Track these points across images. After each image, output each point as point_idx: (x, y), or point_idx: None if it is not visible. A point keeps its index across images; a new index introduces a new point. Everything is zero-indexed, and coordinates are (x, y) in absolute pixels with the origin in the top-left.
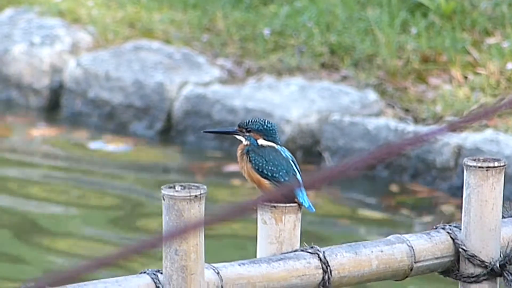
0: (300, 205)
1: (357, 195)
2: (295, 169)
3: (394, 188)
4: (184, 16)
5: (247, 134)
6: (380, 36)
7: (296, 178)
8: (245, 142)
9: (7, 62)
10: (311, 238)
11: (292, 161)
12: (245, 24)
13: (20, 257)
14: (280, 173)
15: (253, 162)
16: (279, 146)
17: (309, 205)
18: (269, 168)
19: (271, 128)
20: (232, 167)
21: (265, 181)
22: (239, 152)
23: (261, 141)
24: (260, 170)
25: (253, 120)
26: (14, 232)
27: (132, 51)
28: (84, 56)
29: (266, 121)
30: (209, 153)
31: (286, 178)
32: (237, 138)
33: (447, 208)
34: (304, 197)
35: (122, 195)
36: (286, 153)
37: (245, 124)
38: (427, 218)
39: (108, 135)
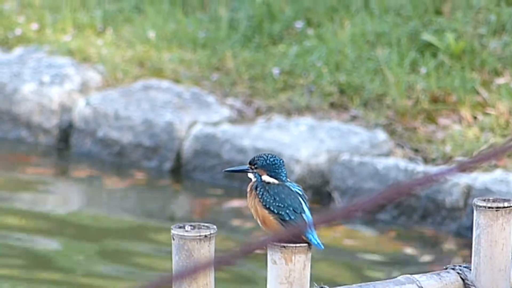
0: (309, 243)
1: (360, 231)
2: (304, 207)
3: (395, 226)
4: (194, 56)
5: (255, 170)
6: (389, 75)
7: (303, 217)
8: (253, 179)
9: (16, 101)
10: (316, 275)
11: (302, 196)
12: (255, 64)
13: None
14: (287, 211)
15: (260, 197)
16: (286, 182)
17: (318, 243)
18: (276, 204)
19: (273, 163)
20: (235, 203)
21: (271, 218)
22: (248, 189)
23: (264, 177)
24: (267, 206)
25: (259, 156)
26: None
27: (142, 90)
28: (94, 95)
29: (269, 157)
30: (215, 191)
31: (292, 217)
32: (248, 176)
33: (449, 247)
34: (313, 234)
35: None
36: (295, 188)
37: (252, 160)
38: (430, 257)
39: (114, 174)
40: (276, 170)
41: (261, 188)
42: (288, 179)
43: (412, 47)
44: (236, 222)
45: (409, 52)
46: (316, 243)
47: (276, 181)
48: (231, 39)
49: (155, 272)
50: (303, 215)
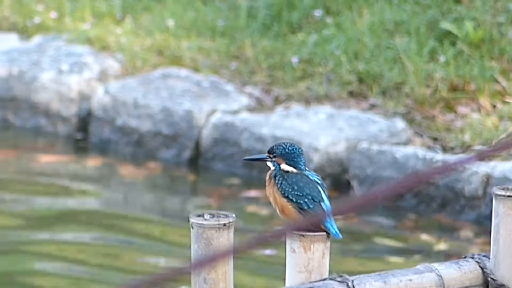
0: (327, 232)
1: (376, 219)
2: (322, 195)
3: (412, 214)
4: (213, 44)
5: (273, 159)
6: (408, 64)
7: (322, 206)
8: (272, 168)
9: (35, 89)
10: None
11: (321, 185)
12: (274, 52)
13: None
14: (305, 200)
15: (279, 186)
16: (305, 171)
17: (336, 232)
18: (294, 193)
19: (292, 152)
20: (253, 193)
21: (289, 206)
22: (267, 177)
23: (283, 166)
24: (286, 194)
25: (277, 145)
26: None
27: (161, 78)
28: (112, 84)
29: (288, 145)
30: (234, 180)
31: (311, 206)
32: (267, 165)
33: (468, 236)
34: (331, 223)
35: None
36: (314, 177)
37: (271, 149)
38: (448, 246)
39: (131, 163)
40: (295, 159)
41: (279, 177)
42: (306, 168)
43: (431, 35)
44: (252, 210)
45: (428, 40)
46: (334, 232)
47: (294, 170)
48: (250, 28)
49: (170, 259)
50: (322, 203)
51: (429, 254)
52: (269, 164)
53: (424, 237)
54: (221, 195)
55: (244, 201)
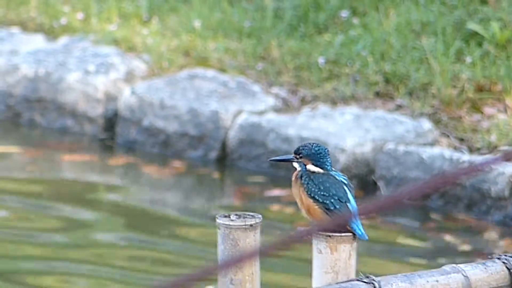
0: (353, 233)
1: (400, 220)
2: (349, 195)
3: (436, 214)
4: (239, 45)
5: (300, 160)
6: (434, 65)
7: (348, 206)
8: (298, 168)
9: (62, 90)
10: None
11: (347, 185)
12: (300, 53)
13: None
14: (332, 200)
15: (305, 186)
16: (331, 171)
17: (362, 233)
18: (321, 194)
19: (318, 152)
20: (276, 192)
21: (315, 206)
22: (293, 178)
23: (309, 166)
24: (312, 195)
25: (303, 145)
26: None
27: (187, 79)
28: (139, 84)
29: (314, 146)
30: (260, 180)
31: (337, 206)
32: (293, 165)
33: (494, 236)
34: (357, 224)
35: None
36: (340, 177)
37: (297, 149)
38: (475, 246)
39: (156, 163)
40: (321, 159)
41: (306, 177)
42: (333, 168)
43: (457, 36)
44: (276, 209)
45: (454, 41)
46: (360, 233)
47: (321, 170)
48: (276, 29)
49: (192, 261)
50: (348, 204)
51: (453, 255)
52: (295, 164)
53: (449, 237)
54: (246, 194)
55: (268, 200)
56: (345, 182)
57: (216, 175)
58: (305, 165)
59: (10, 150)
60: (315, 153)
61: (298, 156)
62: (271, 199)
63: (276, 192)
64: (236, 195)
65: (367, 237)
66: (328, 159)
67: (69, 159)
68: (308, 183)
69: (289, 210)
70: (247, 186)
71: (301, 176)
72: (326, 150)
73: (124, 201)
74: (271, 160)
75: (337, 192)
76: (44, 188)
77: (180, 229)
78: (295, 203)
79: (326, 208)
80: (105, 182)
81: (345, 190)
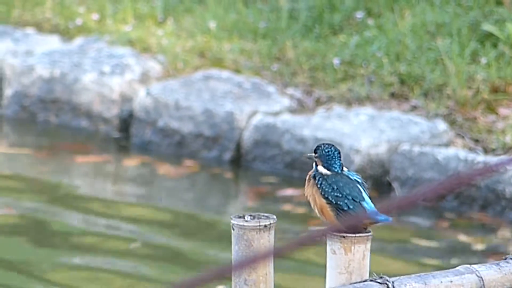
0: (375, 222)
1: (414, 220)
2: (364, 195)
3: (450, 215)
4: (254, 46)
5: (315, 159)
6: (450, 66)
7: (362, 205)
8: (314, 168)
9: (77, 91)
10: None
11: (361, 184)
12: (315, 54)
13: None
14: (345, 201)
15: (319, 186)
16: (346, 171)
17: (385, 217)
18: (334, 194)
19: (327, 154)
20: (289, 192)
21: (328, 207)
22: (307, 177)
23: (319, 168)
24: (326, 195)
25: (318, 145)
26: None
27: (202, 80)
28: (154, 85)
29: (326, 147)
30: (275, 181)
31: (351, 207)
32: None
33: (510, 237)
34: (377, 215)
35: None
36: (354, 176)
37: (315, 149)
38: (490, 247)
39: (170, 163)
40: (329, 161)
41: (319, 178)
42: (345, 168)
43: (472, 37)
44: (288, 209)
45: (469, 42)
46: (383, 218)
47: (328, 172)
48: (291, 29)
49: (204, 260)
50: (363, 203)
51: (467, 255)
52: (313, 164)
53: (463, 238)
54: (259, 195)
55: (280, 200)
56: (359, 180)
57: (230, 175)
58: (317, 166)
59: (23, 152)
60: (324, 154)
61: (315, 156)
62: (284, 199)
63: (289, 191)
64: (250, 196)
65: (390, 219)
66: (337, 161)
67: (82, 160)
68: (321, 183)
69: (301, 210)
70: (261, 186)
71: (314, 176)
72: (335, 152)
73: (136, 200)
74: (304, 156)
75: (351, 191)
76: (50, 189)
77: (192, 229)
78: (307, 204)
79: (339, 209)
80: (119, 182)
81: (359, 189)
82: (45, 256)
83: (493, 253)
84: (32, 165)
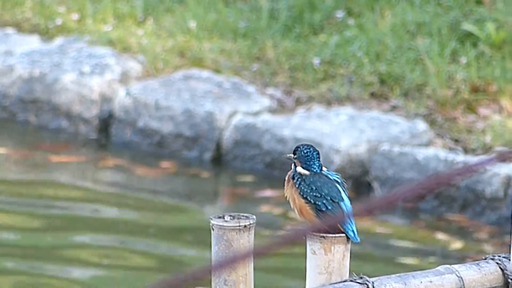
0: (345, 234)
1: (392, 220)
2: (342, 195)
3: (429, 215)
4: (234, 45)
5: (295, 160)
6: (430, 65)
7: (341, 206)
8: (293, 169)
9: (57, 91)
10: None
11: (340, 183)
12: (295, 54)
13: None
14: (324, 201)
15: (298, 187)
16: (325, 170)
17: (354, 235)
18: (313, 194)
19: (306, 155)
20: (268, 193)
21: (307, 207)
22: (286, 178)
23: (298, 168)
24: (304, 196)
25: (297, 146)
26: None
27: (182, 80)
28: (134, 85)
29: (304, 148)
30: (253, 181)
31: (329, 207)
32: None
33: (489, 237)
34: (350, 226)
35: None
36: (334, 176)
37: (295, 150)
38: (470, 247)
39: (148, 163)
40: (308, 162)
41: (298, 178)
42: (324, 168)
43: (452, 37)
44: (266, 210)
45: (449, 42)
46: (352, 235)
47: (307, 173)
48: (271, 29)
49: (182, 261)
50: (342, 203)
51: (446, 256)
52: (292, 164)
53: (441, 238)
54: (237, 195)
55: (259, 201)
56: (339, 180)
57: (210, 175)
58: (296, 167)
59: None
60: (303, 155)
61: (294, 157)
62: (262, 199)
63: (267, 193)
64: (227, 196)
65: (359, 240)
66: (316, 162)
67: (58, 160)
68: (300, 184)
69: (278, 210)
70: (239, 187)
71: (294, 177)
72: (314, 153)
73: (111, 203)
74: (283, 156)
75: (329, 191)
76: (24, 189)
77: (171, 229)
78: (285, 204)
79: (318, 209)
80: (95, 182)
81: (338, 189)
82: None
83: (474, 255)
84: (2, 164)
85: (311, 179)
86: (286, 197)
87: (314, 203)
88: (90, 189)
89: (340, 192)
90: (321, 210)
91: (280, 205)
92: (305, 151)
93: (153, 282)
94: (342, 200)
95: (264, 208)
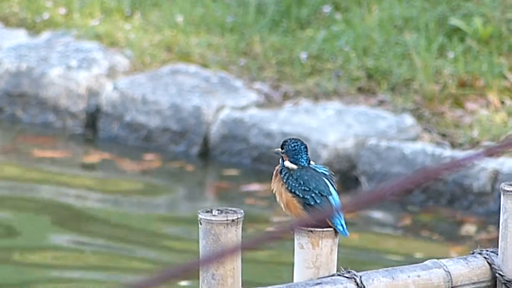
0: (333, 228)
1: (376, 214)
2: (330, 189)
3: (415, 209)
4: (221, 40)
5: (282, 154)
6: (417, 60)
7: (329, 200)
8: (280, 163)
9: (44, 85)
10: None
11: (328, 176)
12: (282, 48)
13: None
14: (312, 195)
15: (285, 181)
16: (313, 164)
17: (344, 229)
18: (301, 188)
19: (294, 149)
20: (253, 187)
21: (295, 201)
22: (274, 172)
23: (286, 163)
24: (292, 190)
25: (285, 141)
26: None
27: (169, 74)
28: (121, 80)
29: (292, 142)
30: (239, 176)
31: (318, 201)
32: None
33: (476, 231)
34: (339, 220)
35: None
36: (321, 169)
37: (282, 144)
38: (457, 241)
39: (139, 158)
40: (295, 156)
41: (285, 173)
42: (312, 162)
43: (439, 31)
44: (250, 203)
45: (436, 36)
46: (341, 230)
47: (295, 167)
48: (258, 24)
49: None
50: (330, 197)
51: (432, 250)
52: (280, 159)
53: (428, 232)
54: (223, 189)
55: (244, 195)
56: (326, 173)
57: (196, 170)
58: (284, 161)
59: None
60: (291, 149)
61: (282, 151)
62: (248, 193)
63: (254, 187)
64: (213, 190)
65: (348, 234)
66: (304, 156)
67: (42, 155)
68: (287, 178)
69: (264, 204)
70: (226, 181)
71: (281, 171)
72: (302, 147)
73: (97, 197)
74: (270, 151)
75: (317, 185)
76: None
77: (156, 224)
78: (271, 198)
79: (306, 203)
80: (81, 176)
81: (325, 182)
82: None
83: (463, 249)
84: None
85: (299, 173)
86: (273, 190)
87: (303, 197)
88: (74, 182)
89: (328, 186)
90: (309, 204)
91: (266, 199)
92: (292, 145)
93: (141, 278)
94: (331, 194)
95: (250, 202)
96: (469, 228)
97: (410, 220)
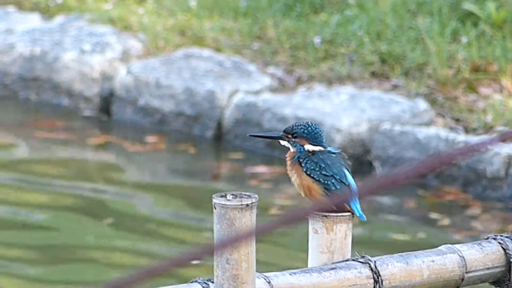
0: (352, 213)
1: (388, 198)
2: (348, 175)
3: (428, 193)
4: (235, 24)
5: (293, 140)
6: (430, 45)
7: (348, 186)
8: (292, 149)
9: (57, 69)
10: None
11: (344, 163)
12: (296, 33)
13: None
14: (333, 180)
15: (305, 167)
16: (330, 148)
17: (361, 214)
18: (321, 173)
19: (315, 131)
20: (259, 169)
21: (316, 187)
22: (288, 160)
23: (307, 147)
24: (312, 175)
25: (297, 125)
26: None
27: (183, 59)
28: (135, 64)
29: (309, 125)
30: (253, 161)
31: (338, 187)
32: (281, 144)
33: (491, 217)
34: (356, 205)
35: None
36: (334, 150)
37: (290, 129)
38: (472, 226)
39: (153, 142)
40: (319, 138)
41: (305, 158)
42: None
43: (453, 16)
44: (254, 184)
45: (450, 21)
46: (359, 214)
47: (322, 149)
48: (272, 8)
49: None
50: (348, 184)
51: (449, 235)
52: (285, 143)
53: (440, 217)
54: (236, 173)
55: (248, 177)
56: (342, 161)
57: (210, 154)
58: (302, 146)
59: None
60: (311, 132)
61: (290, 136)
62: (258, 176)
63: (260, 169)
64: (217, 174)
65: (365, 219)
66: (324, 138)
67: (49, 136)
68: (307, 163)
69: (267, 185)
70: (239, 164)
71: (299, 158)
72: (321, 129)
73: (93, 175)
74: (251, 135)
75: (338, 171)
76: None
77: (167, 207)
78: (274, 181)
79: (326, 189)
80: (89, 161)
81: (343, 168)
82: None
83: (475, 235)
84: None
85: (319, 157)
86: (291, 177)
87: (323, 183)
88: (89, 167)
89: (345, 172)
90: (329, 190)
91: (271, 181)
92: (313, 128)
93: (157, 263)
94: (348, 180)
95: (258, 184)
96: (484, 213)
97: (423, 205)
